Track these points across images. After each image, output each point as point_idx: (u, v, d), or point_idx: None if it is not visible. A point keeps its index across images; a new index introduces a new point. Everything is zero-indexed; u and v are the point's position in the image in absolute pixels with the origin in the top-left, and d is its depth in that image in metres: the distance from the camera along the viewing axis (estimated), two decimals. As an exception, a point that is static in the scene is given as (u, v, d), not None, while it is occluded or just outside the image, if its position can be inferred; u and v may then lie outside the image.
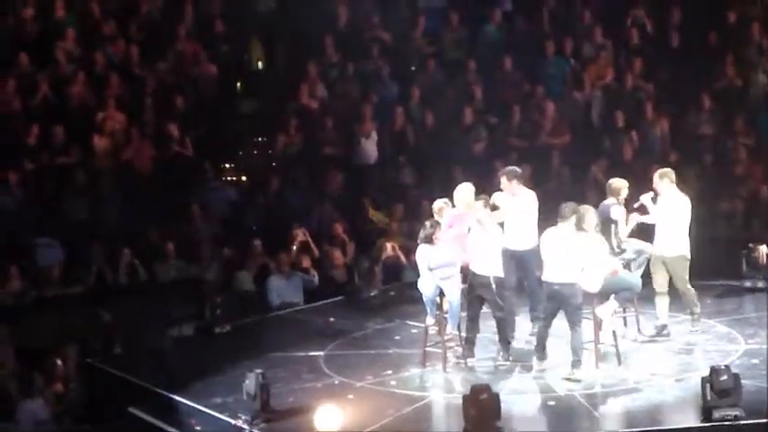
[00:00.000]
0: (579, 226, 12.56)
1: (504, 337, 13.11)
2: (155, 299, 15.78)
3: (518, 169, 13.86)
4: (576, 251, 12.45)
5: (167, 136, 18.37)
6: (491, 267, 12.96)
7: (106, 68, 18.87)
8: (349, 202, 18.75)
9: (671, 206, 13.54)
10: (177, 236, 17.29)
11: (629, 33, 20.45)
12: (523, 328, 13.77)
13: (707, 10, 20.35)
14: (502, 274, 13.03)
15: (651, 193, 13.68)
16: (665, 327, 13.70)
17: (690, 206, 13.58)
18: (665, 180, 13.60)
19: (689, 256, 13.58)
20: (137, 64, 19.17)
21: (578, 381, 12.38)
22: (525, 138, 19.51)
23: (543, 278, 12.67)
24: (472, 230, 13.12)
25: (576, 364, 12.50)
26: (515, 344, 13.40)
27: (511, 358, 13.04)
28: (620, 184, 13.70)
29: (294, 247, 17.26)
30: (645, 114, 19.35)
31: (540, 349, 12.74)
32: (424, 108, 19.90)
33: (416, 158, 19.41)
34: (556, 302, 12.56)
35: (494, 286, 12.92)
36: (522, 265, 13.56)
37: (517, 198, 13.52)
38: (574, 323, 12.50)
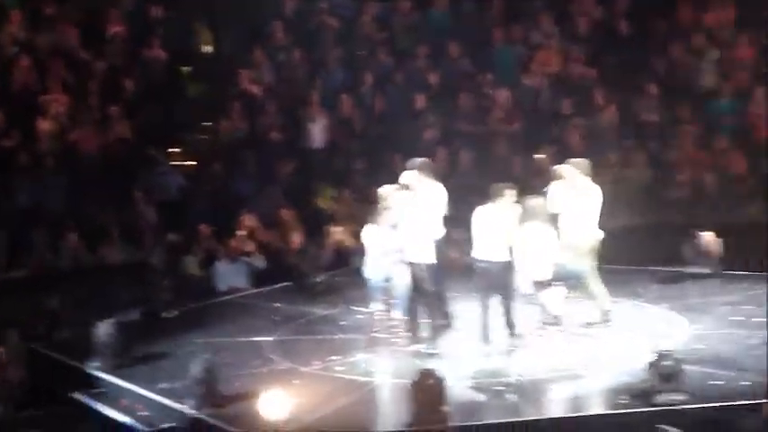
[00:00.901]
0: (529, 215, 12.64)
1: (437, 322, 13.13)
2: (100, 283, 15.66)
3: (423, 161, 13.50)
4: (515, 235, 12.55)
5: (112, 119, 18.23)
6: (422, 254, 12.96)
7: (50, 52, 18.68)
8: (296, 188, 18.70)
9: (582, 195, 13.59)
10: (123, 220, 17.17)
11: (576, 21, 20.50)
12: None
13: (655, -3, 20.47)
14: (432, 261, 12.99)
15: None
16: (608, 312, 13.77)
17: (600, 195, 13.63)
18: (571, 171, 13.64)
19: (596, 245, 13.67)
20: (81, 48, 18.99)
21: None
22: (474, 124, 19.54)
23: (473, 255, 12.72)
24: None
25: (512, 335, 12.68)
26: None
27: (439, 345, 13.05)
28: (564, 170, 13.72)
29: (241, 233, 17.19)
30: (593, 101, 19.42)
31: (484, 334, 12.78)
32: (374, 94, 19.88)
33: (365, 144, 19.40)
34: (485, 280, 12.61)
35: (424, 273, 12.92)
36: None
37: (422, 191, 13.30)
38: (505, 301, 12.56)
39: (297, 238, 17.62)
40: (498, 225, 12.56)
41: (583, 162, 13.85)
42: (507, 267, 12.62)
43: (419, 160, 13.44)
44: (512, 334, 12.77)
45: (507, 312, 12.72)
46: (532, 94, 19.94)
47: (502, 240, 12.54)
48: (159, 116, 18.95)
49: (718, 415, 10.82)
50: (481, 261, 12.66)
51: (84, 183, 17.48)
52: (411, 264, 13.00)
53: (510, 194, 12.73)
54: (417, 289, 13.02)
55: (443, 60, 20.33)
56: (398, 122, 19.57)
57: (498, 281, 12.58)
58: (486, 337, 12.80)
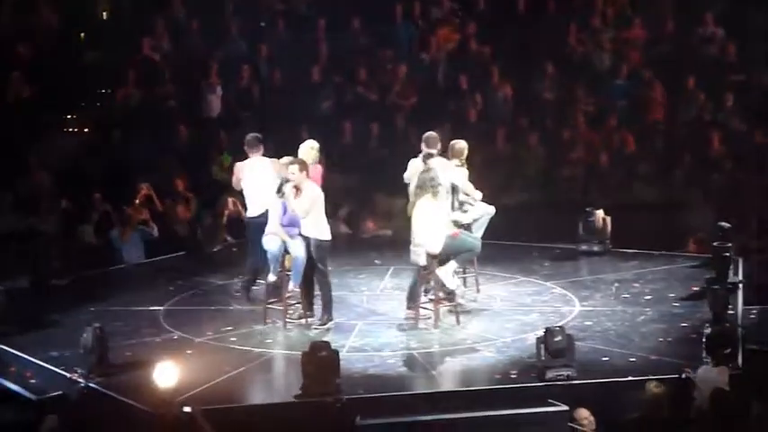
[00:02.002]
0: (422, 190, 12.72)
1: (326, 300, 13.15)
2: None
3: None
4: (417, 216, 12.64)
5: (6, 84, 17.93)
6: (313, 229, 12.97)
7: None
8: (192, 157, 18.57)
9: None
10: (15, 187, 16.92)
11: (475, -2, 20.62)
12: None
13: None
14: (325, 237, 13.02)
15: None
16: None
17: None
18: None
19: None
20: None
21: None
22: (372, 97, 19.61)
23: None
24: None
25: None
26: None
27: (330, 322, 13.09)
28: (462, 146, 13.83)
29: (137, 201, 17.05)
30: (490, 78, 19.56)
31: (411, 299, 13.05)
32: (272, 65, 19.81)
33: (262, 115, 19.32)
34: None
35: (313, 248, 12.96)
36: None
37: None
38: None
39: (192, 208, 17.54)
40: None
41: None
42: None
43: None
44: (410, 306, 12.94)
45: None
46: (428, 70, 20.01)
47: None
48: (55, 82, 18.64)
49: (605, 391, 11.01)
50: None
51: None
52: (307, 237, 13.01)
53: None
54: (312, 262, 13.03)
55: (343, 33, 20.30)
56: (295, 94, 19.53)
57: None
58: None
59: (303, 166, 12.94)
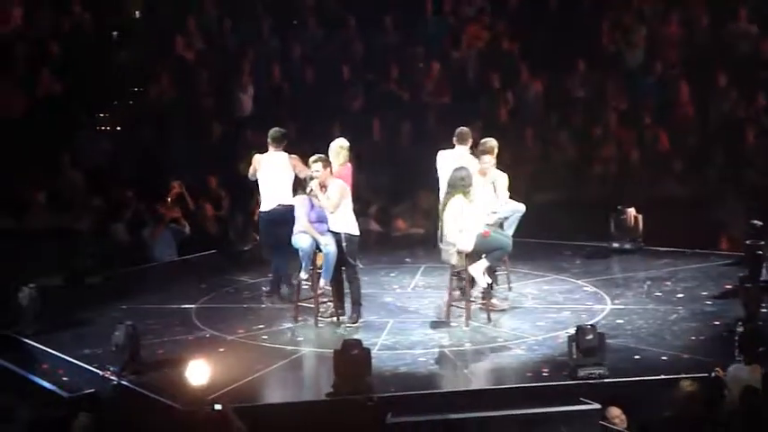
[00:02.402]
0: (453, 188, 12.73)
1: (356, 297, 13.16)
2: (23, 248, 15.48)
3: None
4: (449, 214, 12.64)
5: (39, 82, 18.02)
6: (342, 224, 12.98)
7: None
8: (224, 155, 18.61)
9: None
10: (49, 184, 17.01)
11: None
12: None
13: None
14: (355, 232, 13.04)
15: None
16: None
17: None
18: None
19: None
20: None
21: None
22: (404, 94, 19.61)
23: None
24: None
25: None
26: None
27: (359, 320, 13.09)
28: (492, 144, 13.82)
29: (169, 199, 17.11)
30: (520, 76, 19.52)
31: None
32: (304, 64, 19.84)
33: (294, 113, 19.35)
34: None
35: (344, 243, 12.95)
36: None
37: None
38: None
39: (223, 206, 17.59)
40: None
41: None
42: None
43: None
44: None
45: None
46: (459, 68, 19.99)
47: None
48: (88, 80, 18.73)
49: (637, 389, 10.98)
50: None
51: (9, 146, 17.22)
52: (337, 233, 13.02)
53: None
54: (342, 258, 13.05)
55: (374, 30, 20.31)
56: (327, 92, 19.55)
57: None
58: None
59: (326, 162, 12.96)
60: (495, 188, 13.59)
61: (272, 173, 13.73)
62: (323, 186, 12.88)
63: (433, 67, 19.71)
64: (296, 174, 13.62)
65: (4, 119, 17.67)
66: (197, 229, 17.19)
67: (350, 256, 12.99)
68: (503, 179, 13.67)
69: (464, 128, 13.88)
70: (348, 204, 13.00)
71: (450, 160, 13.46)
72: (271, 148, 13.84)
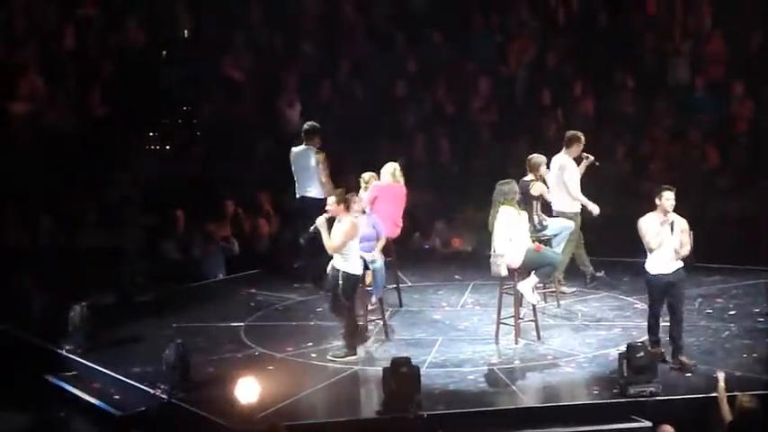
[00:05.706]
0: (502, 202, 12.70)
1: (347, 332, 12.77)
2: (74, 265, 15.58)
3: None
4: (498, 225, 12.60)
5: (90, 102, 18.16)
6: (343, 263, 12.61)
7: (25, 33, 18.54)
8: (273, 173, 18.65)
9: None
10: (99, 202, 17.12)
11: (555, 11, 20.50)
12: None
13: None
14: (355, 272, 12.67)
15: None
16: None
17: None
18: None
19: None
20: (58, 30, 18.88)
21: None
22: (453, 111, 19.60)
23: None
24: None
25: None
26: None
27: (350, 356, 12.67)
28: (539, 160, 13.81)
29: (220, 218, 17.18)
30: (571, 93, 19.45)
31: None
32: (353, 80, 19.87)
33: (343, 130, 19.36)
34: None
35: (341, 281, 12.65)
36: None
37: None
38: None
39: (273, 224, 17.63)
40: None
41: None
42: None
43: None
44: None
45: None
46: (507, 84, 19.96)
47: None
48: (137, 100, 18.84)
49: (688, 407, 10.90)
50: None
51: (60, 164, 17.35)
52: (337, 270, 12.68)
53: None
54: (337, 295, 12.70)
55: (422, 47, 20.31)
56: (377, 109, 19.56)
57: None
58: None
59: (341, 197, 12.66)
60: (538, 205, 13.59)
61: (297, 165, 15.02)
62: (332, 221, 12.60)
63: (482, 84, 19.64)
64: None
65: (56, 137, 17.81)
66: (246, 247, 17.23)
67: (344, 293, 12.61)
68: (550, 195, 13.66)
69: (571, 132, 14.41)
70: (354, 245, 12.62)
71: (555, 165, 13.89)
72: (305, 143, 15.13)
